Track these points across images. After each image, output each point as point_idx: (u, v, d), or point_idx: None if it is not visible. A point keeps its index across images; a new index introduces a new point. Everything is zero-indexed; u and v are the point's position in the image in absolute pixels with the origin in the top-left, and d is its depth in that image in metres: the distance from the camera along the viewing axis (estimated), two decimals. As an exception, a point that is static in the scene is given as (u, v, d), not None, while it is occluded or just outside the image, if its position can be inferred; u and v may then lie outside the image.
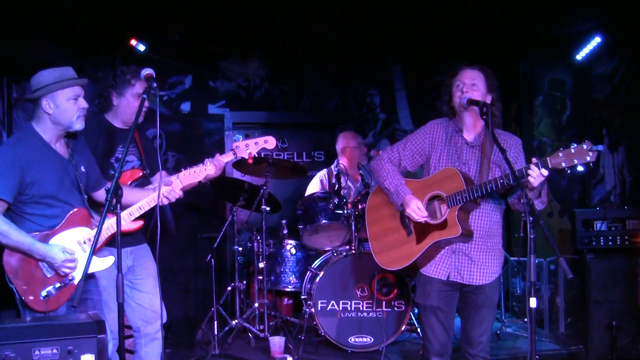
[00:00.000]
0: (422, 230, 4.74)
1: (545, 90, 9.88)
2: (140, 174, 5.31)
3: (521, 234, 7.60)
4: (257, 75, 9.55)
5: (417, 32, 8.93)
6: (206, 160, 5.21)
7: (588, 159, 4.16)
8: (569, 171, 4.28)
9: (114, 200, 4.08)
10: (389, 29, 8.85)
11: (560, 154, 4.24)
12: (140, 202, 4.83)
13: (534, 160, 4.32)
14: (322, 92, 9.80)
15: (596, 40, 8.82)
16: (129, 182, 5.24)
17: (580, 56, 9.20)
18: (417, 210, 4.66)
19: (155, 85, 4.63)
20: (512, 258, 8.84)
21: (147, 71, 4.68)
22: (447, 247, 4.77)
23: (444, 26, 8.74)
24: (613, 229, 7.16)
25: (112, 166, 5.24)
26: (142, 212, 4.84)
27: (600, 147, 4.22)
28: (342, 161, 7.92)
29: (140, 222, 4.99)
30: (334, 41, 9.20)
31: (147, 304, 5.28)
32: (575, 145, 4.21)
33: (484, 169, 4.72)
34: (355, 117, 9.86)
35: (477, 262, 4.76)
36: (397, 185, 4.84)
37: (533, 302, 4.05)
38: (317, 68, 9.69)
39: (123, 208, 4.53)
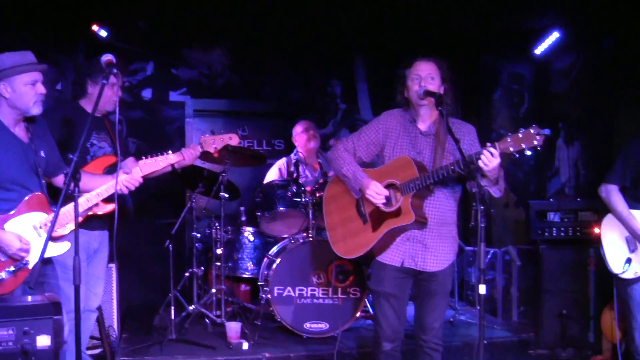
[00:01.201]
0: (377, 218, 4.84)
1: (505, 84, 10.01)
2: (114, 160, 5.41)
3: (472, 223, 7.70)
4: (220, 63, 9.58)
5: (380, 24, 8.98)
6: (183, 149, 5.47)
7: (535, 142, 4.24)
8: (517, 155, 4.35)
9: (72, 184, 4.13)
10: (352, 21, 8.89)
11: (509, 139, 4.32)
12: (98, 189, 4.91)
13: (487, 145, 4.41)
14: (284, 81, 9.85)
15: (555, 35, 8.95)
16: (103, 168, 5.35)
17: (539, 51, 9.34)
18: (376, 191, 4.77)
19: (115, 71, 4.71)
20: (467, 247, 8.97)
21: (107, 57, 4.77)
22: (402, 235, 4.86)
23: (407, 19, 8.81)
24: (566, 220, 7.33)
25: (87, 150, 5.43)
26: (100, 198, 4.93)
27: (546, 131, 4.28)
28: (301, 150, 7.99)
29: (113, 205, 5.04)
30: (297, 31, 9.22)
31: (93, 287, 5.63)
32: (523, 130, 4.29)
33: (437, 156, 4.81)
34: (316, 106, 9.93)
35: (431, 249, 4.85)
36: (355, 171, 4.94)
37: (482, 289, 4.16)
38: (279, 57, 9.72)
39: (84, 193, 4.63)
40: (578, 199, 7.78)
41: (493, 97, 10.00)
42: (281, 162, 8.20)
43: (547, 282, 7.30)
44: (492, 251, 8.48)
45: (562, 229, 7.33)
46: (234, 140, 5.77)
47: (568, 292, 7.28)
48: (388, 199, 4.82)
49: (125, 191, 5.05)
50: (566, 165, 9.36)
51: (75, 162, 4.12)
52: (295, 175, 7.40)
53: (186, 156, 5.43)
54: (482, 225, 4.11)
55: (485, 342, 6.77)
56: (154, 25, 9.01)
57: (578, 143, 9.23)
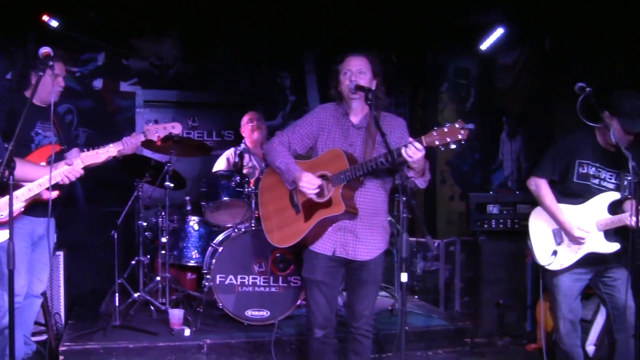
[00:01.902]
0: (309, 208, 4.97)
1: (451, 78, 10.21)
2: (57, 149, 5.49)
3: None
4: (170, 55, 9.67)
5: (329, 17, 9.12)
6: (125, 138, 5.65)
7: (460, 137, 4.38)
8: (442, 148, 4.50)
9: (7, 172, 4.23)
10: (301, 14, 9.03)
11: (434, 133, 4.46)
12: (40, 179, 5.04)
13: (410, 139, 4.56)
14: (234, 73, 9.95)
15: (499, 31, 9.15)
16: (47, 157, 5.44)
17: (484, 46, 9.54)
18: (309, 182, 4.90)
19: (51, 63, 4.80)
20: (411, 239, 9.13)
21: (44, 50, 4.86)
22: (333, 225, 4.99)
23: (356, 13, 8.96)
24: (505, 212, 7.49)
25: (32, 139, 5.49)
26: (41, 188, 5.07)
27: (470, 126, 4.41)
28: (247, 140, 8.12)
29: (57, 192, 5.15)
30: (247, 23, 9.32)
31: (38, 273, 5.70)
32: (449, 124, 4.43)
33: (367, 149, 4.96)
34: (265, 98, 10.05)
35: (362, 239, 5.00)
36: (288, 163, 5.05)
37: (404, 277, 4.29)
38: (229, 49, 9.82)
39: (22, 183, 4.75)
40: (517, 192, 7.98)
41: (440, 90, 10.18)
42: (229, 152, 8.27)
43: (486, 273, 7.49)
44: (436, 242, 8.65)
45: (501, 221, 7.48)
46: (176, 128, 5.99)
47: (506, 283, 7.47)
48: (320, 189, 4.95)
49: (66, 181, 5.16)
50: (509, 159, 9.57)
51: (10, 151, 4.21)
52: (239, 165, 7.51)
53: (126, 146, 5.60)
54: (404, 215, 4.26)
55: (422, 330, 7.07)
56: (104, 15, 9.06)
57: (520, 137, 9.44)
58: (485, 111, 10.22)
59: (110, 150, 5.32)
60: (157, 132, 5.94)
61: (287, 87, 10.12)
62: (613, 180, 5.42)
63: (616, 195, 5.33)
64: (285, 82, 10.12)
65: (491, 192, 8.11)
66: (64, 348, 6.19)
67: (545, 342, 6.35)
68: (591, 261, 5.44)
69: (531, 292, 7.31)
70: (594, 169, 5.42)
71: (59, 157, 5.46)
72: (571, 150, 5.52)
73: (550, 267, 5.54)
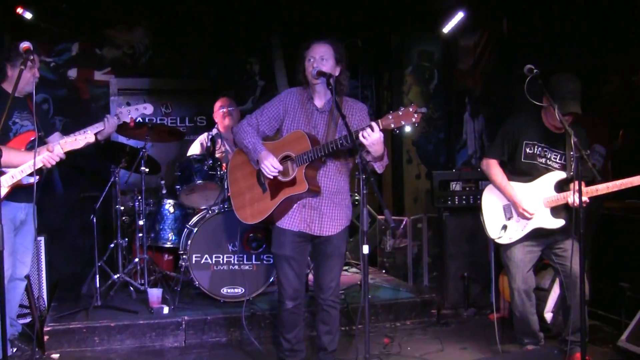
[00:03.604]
0: (275, 187, 5.25)
1: (415, 61, 10.46)
2: (34, 136, 5.71)
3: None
4: (142, 43, 9.86)
5: (297, 3, 9.30)
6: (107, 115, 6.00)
7: (413, 120, 4.64)
8: (397, 131, 4.78)
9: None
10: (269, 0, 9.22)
11: (390, 116, 4.72)
12: (22, 165, 5.30)
13: (365, 119, 4.85)
14: (205, 59, 10.13)
15: (460, 15, 9.40)
16: (26, 144, 5.68)
17: (446, 29, 9.78)
18: (270, 165, 5.15)
19: (32, 57, 5.08)
20: (379, 217, 9.41)
21: (24, 44, 5.14)
22: (298, 202, 5.28)
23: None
24: (467, 189, 7.74)
25: (10, 128, 5.68)
26: (24, 174, 5.33)
27: (423, 109, 4.68)
28: (219, 126, 8.37)
29: (37, 177, 5.38)
30: (216, 10, 9.48)
31: (22, 256, 5.93)
32: (403, 108, 4.69)
33: (329, 131, 5.24)
34: (235, 84, 10.24)
35: (326, 215, 5.29)
36: (255, 143, 5.30)
37: (365, 249, 4.52)
38: (199, 36, 10.00)
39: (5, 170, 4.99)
40: (479, 169, 8.25)
41: (405, 73, 10.43)
42: (203, 137, 8.44)
43: (450, 247, 7.76)
44: (405, 220, 8.93)
45: (464, 197, 7.74)
46: (148, 109, 6.31)
47: (470, 256, 7.76)
48: (285, 169, 5.20)
49: (48, 165, 5.41)
50: (472, 137, 9.84)
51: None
52: (211, 149, 7.75)
53: (106, 124, 5.86)
54: (364, 191, 4.55)
55: (389, 302, 7.35)
56: (77, 6, 9.19)
57: (482, 117, 9.72)
58: (449, 92, 10.47)
59: (88, 136, 5.53)
60: (129, 114, 6.21)
61: (257, 72, 10.32)
62: (559, 160, 5.69)
63: (562, 175, 5.61)
64: (254, 68, 10.31)
65: (454, 170, 8.39)
66: (48, 328, 6.43)
67: (508, 311, 6.68)
68: (540, 235, 5.73)
69: (494, 265, 7.57)
70: (539, 149, 5.69)
71: (39, 143, 5.71)
72: (518, 131, 5.81)
73: (500, 241, 5.85)
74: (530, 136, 5.75)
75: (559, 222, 5.58)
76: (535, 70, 5.34)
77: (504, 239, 5.81)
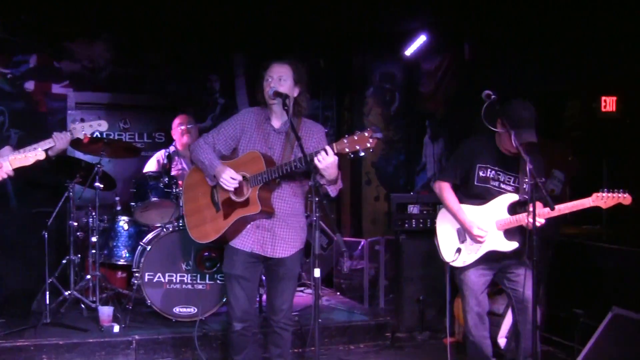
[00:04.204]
0: (228, 207, 5.21)
1: (376, 83, 10.47)
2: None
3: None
4: (102, 57, 9.72)
5: (259, 21, 9.28)
6: (55, 133, 5.73)
7: (368, 145, 4.61)
8: (352, 156, 4.76)
9: None
10: (231, 17, 9.17)
11: (345, 140, 4.69)
12: None
13: (322, 142, 4.82)
14: (165, 75, 10.04)
15: (422, 38, 9.45)
16: None
17: (408, 52, 9.83)
18: (229, 177, 5.12)
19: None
20: (342, 240, 9.36)
21: None
22: (252, 223, 5.24)
23: (284, 18, 9.17)
24: (424, 212, 7.72)
25: None
26: None
27: (378, 135, 4.68)
28: (177, 143, 8.30)
29: None
30: (178, 26, 9.47)
31: None
32: (359, 132, 4.66)
33: (286, 152, 5.22)
34: (195, 101, 10.15)
35: (279, 237, 5.25)
36: (211, 159, 5.26)
37: (317, 273, 4.49)
38: (160, 52, 9.93)
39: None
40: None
41: (366, 94, 10.44)
42: (159, 154, 8.41)
43: (407, 270, 7.72)
44: (363, 242, 8.90)
45: (421, 220, 7.70)
46: (102, 126, 6.12)
47: (426, 280, 7.69)
48: (239, 189, 5.18)
49: None
50: (431, 161, 9.87)
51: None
52: (167, 167, 7.69)
53: (57, 140, 5.74)
54: (317, 214, 4.51)
55: (344, 325, 7.31)
56: (37, 18, 9.11)
57: (442, 140, 9.76)
58: (410, 115, 10.51)
59: (38, 153, 5.44)
60: (83, 130, 6.09)
61: (217, 90, 10.24)
62: (512, 183, 5.67)
63: (514, 197, 5.58)
64: (214, 85, 10.23)
65: (412, 193, 8.36)
66: (-6, 346, 6.29)
67: (462, 336, 6.67)
68: (493, 258, 5.72)
69: (450, 289, 7.57)
70: (493, 172, 5.68)
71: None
72: (472, 155, 5.77)
73: (454, 264, 5.81)
74: (484, 160, 5.73)
75: (512, 245, 5.56)
76: (492, 96, 5.34)
77: (458, 262, 5.78)
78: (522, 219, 5.44)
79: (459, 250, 5.77)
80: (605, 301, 6.23)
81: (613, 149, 8.51)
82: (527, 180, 5.38)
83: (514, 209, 5.60)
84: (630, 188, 5.27)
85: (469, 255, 5.72)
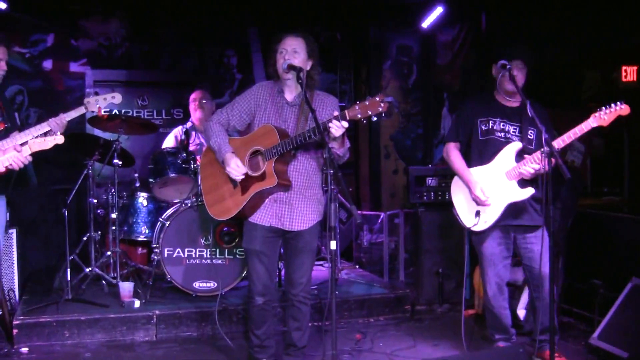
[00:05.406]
0: (245, 182, 5.21)
1: (394, 55, 10.44)
2: (2, 127, 5.67)
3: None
4: (118, 35, 9.78)
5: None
6: (53, 119, 5.74)
7: (380, 109, 4.63)
8: (365, 121, 4.77)
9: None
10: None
11: (356, 107, 4.71)
12: None
13: (335, 113, 4.82)
14: (181, 51, 10.08)
15: (439, 10, 9.40)
16: None
17: (425, 24, 9.79)
18: (235, 168, 5.14)
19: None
20: (358, 212, 9.36)
21: None
22: (269, 197, 5.25)
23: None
24: (442, 185, 7.70)
25: None
26: None
27: (389, 99, 4.64)
28: (193, 118, 8.32)
29: (3, 169, 5.34)
30: (193, 1, 9.50)
31: None
32: (370, 97, 4.68)
33: (299, 125, 5.21)
34: (212, 76, 10.18)
35: (297, 210, 5.26)
36: (220, 144, 5.27)
37: (333, 245, 4.54)
38: (176, 28, 9.95)
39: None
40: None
41: (383, 67, 10.40)
42: (177, 130, 8.42)
43: (426, 243, 7.73)
44: (382, 215, 8.91)
45: (439, 193, 7.71)
46: (117, 98, 6.21)
47: (445, 252, 7.72)
48: (255, 164, 5.19)
49: (15, 167, 5.36)
50: (450, 133, 9.84)
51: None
52: (185, 143, 7.71)
53: (53, 127, 5.76)
54: (332, 186, 4.52)
55: (363, 298, 7.33)
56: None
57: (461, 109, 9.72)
58: (427, 87, 10.49)
59: (57, 139, 5.43)
60: (97, 104, 6.11)
61: (234, 65, 10.25)
62: (517, 133, 5.68)
63: (518, 145, 5.60)
64: (232, 61, 10.24)
65: (430, 166, 8.34)
66: (17, 322, 6.38)
67: (482, 308, 6.67)
68: (510, 227, 5.74)
69: (469, 261, 7.57)
70: (496, 123, 5.70)
71: (5, 134, 5.66)
72: (472, 112, 5.86)
73: (476, 228, 5.76)
74: (485, 114, 5.78)
75: (529, 191, 5.51)
76: (508, 66, 5.35)
77: (479, 225, 5.72)
78: (528, 169, 5.44)
79: (478, 213, 5.73)
80: (624, 272, 6.25)
81: (634, 120, 8.46)
82: (530, 129, 5.52)
83: (521, 157, 5.59)
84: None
85: (490, 214, 5.67)
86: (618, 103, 5.22)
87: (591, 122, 5.26)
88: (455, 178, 5.99)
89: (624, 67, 8.60)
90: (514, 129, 5.70)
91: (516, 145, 5.61)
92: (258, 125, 5.30)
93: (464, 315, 6.14)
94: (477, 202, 5.70)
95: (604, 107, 5.24)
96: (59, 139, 5.44)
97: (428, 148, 10.45)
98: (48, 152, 5.58)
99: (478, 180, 5.67)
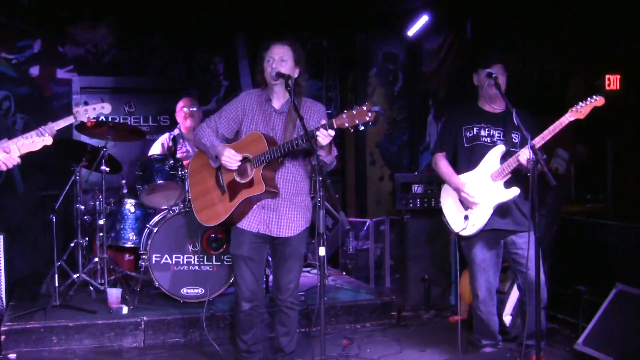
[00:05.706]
0: (233, 189, 5.26)
1: (379, 63, 10.48)
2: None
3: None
4: (105, 41, 9.75)
5: (262, 2, 9.27)
6: (41, 127, 5.72)
7: (367, 118, 4.68)
8: (352, 130, 4.83)
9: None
10: (234, -1, 9.18)
11: (344, 116, 4.76)
12: None
13: (322, 120, 4.87)
14: (168, 58, 10.06)
15: (424, 18, 9.46)
16: None
17: (411, 32, 9.84)
18: (230, 156, 5.18)
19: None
20: (345, 219, 9.39)
21: None
22: (257, 203, 5.30)
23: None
24: (428, 191, 7.75)
25: None
26: None
27: (376, 108, 4.73)
28: (181, 126, 8.34)
29: None
30: (180, 8, 9.44)
31: None
32: (357, 106, 4.73)
33: (287, 132, 5.26)
34: (199, 83, 10.17)
35: (284, 217, 5.31)
36: (212, 141, 5.34)
37: (322, 251, 4.58)
38: (163, 35, 9.95)
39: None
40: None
41: (369, 75, 10.45)
42: (164, 137, 8.42)
43: (412, 250, 7.77)
44: (368, 222, 8.94)
45: (425, 199, 7.75)
46: (106, 108, 6.22)
47: (432, 259, 7.78)
48: (243, 171, 5.24)
49: (3, 168, 5.36)
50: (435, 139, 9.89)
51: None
52: (172, 150, 7.73)
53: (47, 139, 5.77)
54: (321, 193, 4.57)
55: (349, 304, 7.36)
56: (39, 2, 9.15)
57: (445, 119, 9.76)
58: (413, 94, 10.51)
59: (46, 140, 5.45)
60: (86, 114, 6.15)
61: (221, 72, 10.24)
62: (502, 137, 5.75)
63: (502, 148, 5.67)
64: (218, 68, 10.22)
65: (416, 173, 8.38)
66: (5, 328, 6.38)
67: (468, 314, 6.72)
68: (499, 233, 5.78)
69: (455, 267, 7.62)
70: (481, 129, 5.78)
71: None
72: (456, 121, 5.96)
73: (466, 232, 5.79)
74: (469, 121, 5.85)
75: (514, 191, 5.56)
76: (494, 75, 5.41)
77: (468, 229, 5.75)
78: (512, 162, 5.50)
79: (466, 217, 5.77)
80: (609, 278, 6.30)
81: (617, 128, 8.54)
82: (515, 133, 5.59)
83: (505, 160, 5.64)
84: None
85: (477, 217, 5.71)
86: (593, 96, 5.29)
87: (568, 117, 5.32)
88: (445, 185, 6.04)
89: (607, 76, 8.68)
90: (498, 133, 5.77)
91: (500, 148, 5.68)
92: (246, 132, 5.34)
93: (459, 321, 6.13)
94: (466, 203, 5.75)
95: (580, 102, 5.30)
96: (48, 140, 5.43)
97: (414, 155, 10.49)
98: (36, 158, 5.62)
99: (466, 182, 5.73)
